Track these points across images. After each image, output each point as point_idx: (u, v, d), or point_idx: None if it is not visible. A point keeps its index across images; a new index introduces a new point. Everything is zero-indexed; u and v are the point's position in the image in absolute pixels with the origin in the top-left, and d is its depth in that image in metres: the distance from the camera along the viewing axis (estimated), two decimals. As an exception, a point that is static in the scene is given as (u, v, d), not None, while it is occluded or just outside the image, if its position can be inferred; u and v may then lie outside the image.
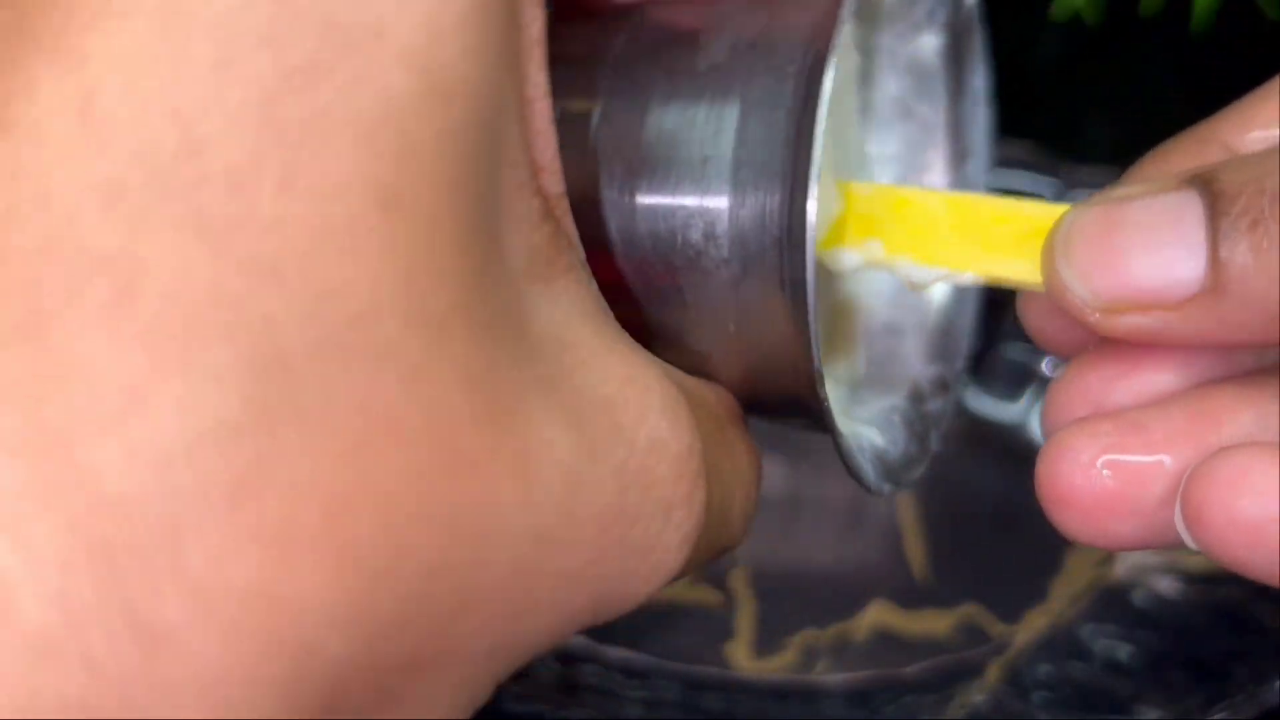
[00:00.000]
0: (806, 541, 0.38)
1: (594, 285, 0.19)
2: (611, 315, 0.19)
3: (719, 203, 0.20)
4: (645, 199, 0.20)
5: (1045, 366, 0.39)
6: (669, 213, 0.20)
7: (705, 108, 0.20)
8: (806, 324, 0.20)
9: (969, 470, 0.39)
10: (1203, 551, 0.20)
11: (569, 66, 0.19)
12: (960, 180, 0.26)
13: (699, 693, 0.34)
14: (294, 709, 0.14)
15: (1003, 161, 0.39)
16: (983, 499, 0.38)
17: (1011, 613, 0.35)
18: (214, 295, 0.14)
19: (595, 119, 0.21)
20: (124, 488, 0.13)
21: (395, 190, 0.15)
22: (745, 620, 0.36)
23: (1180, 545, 0.21)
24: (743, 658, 0.35)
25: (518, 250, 0.17)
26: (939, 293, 0.25)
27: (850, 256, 0.23)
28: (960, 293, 0.26)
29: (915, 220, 0.23)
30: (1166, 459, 0.20)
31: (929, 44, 0.25)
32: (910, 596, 0.36)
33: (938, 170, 0.26)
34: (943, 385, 0.25)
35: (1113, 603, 0.34)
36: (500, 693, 0.33)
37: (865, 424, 0.23)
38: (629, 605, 0.18)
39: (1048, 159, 0.40)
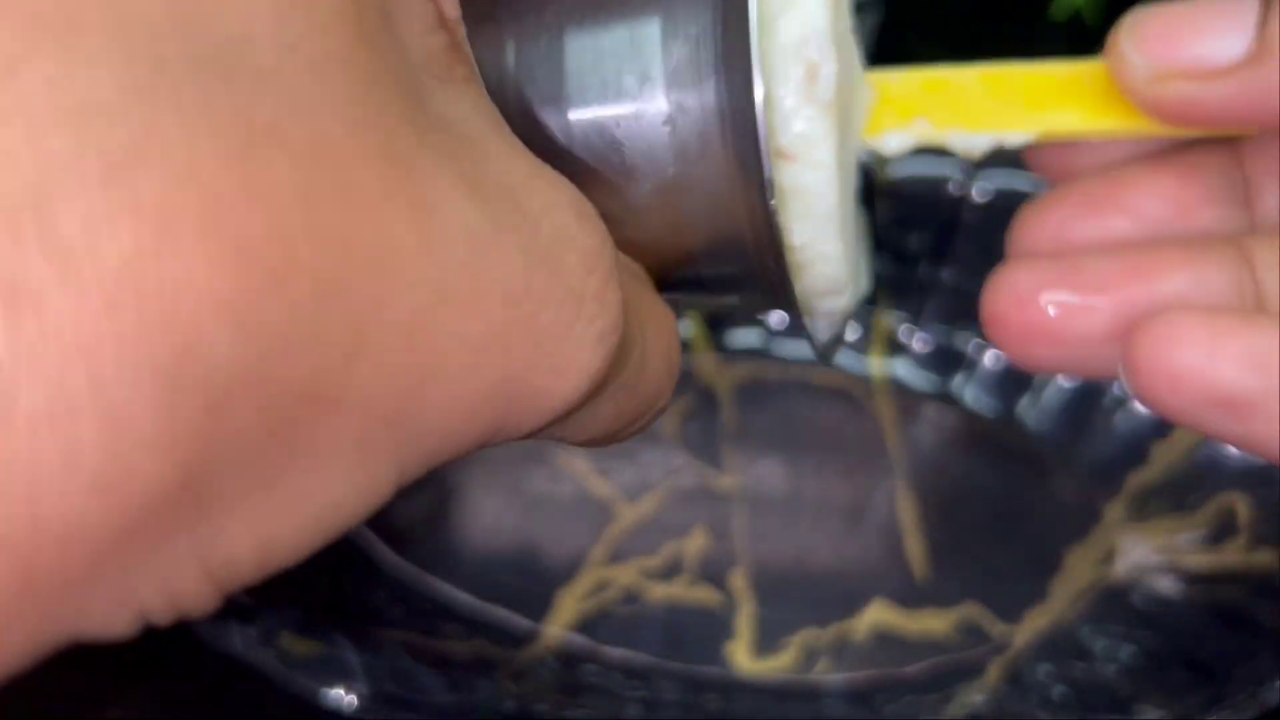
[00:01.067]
0: (806, 541, 0.38)
1: (495, 107, 0.18)
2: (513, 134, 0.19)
3: (652, 39, 0.20)
4: (573, 37, 0.20)
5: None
6: (599, 59, 0.20)
7: None
8: (758, 154, 0.20)
9: (969, 470, 0.39)
10: (1140, 399, 0.23)
11: None
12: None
13: (699, 693, 0.34)
14: (173, 405, 0.14)
15: (1002, 161, 0.40)
16: (983, 499, 0.38)
17: (1011, 613, 0.35)
18: None
19: None
20: None
21: None
22: (745, 620, 0.36)
23: (1107, 375, 0.24)
24: (743, 658, 0.35)
25: (413, 47, 0.17)
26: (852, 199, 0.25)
27: (899, 138, 0.24)
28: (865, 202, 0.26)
29: (954, 96, 0.25)
30: (1099, 301, 0.24)
31: None
32: (910, 596, 0.36)
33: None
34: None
35: (1113, 603, 0.35)
36: (500, 692, 0.33)
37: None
38: (544, 404, 0.18)
39: (1048, 159, 0.40)
